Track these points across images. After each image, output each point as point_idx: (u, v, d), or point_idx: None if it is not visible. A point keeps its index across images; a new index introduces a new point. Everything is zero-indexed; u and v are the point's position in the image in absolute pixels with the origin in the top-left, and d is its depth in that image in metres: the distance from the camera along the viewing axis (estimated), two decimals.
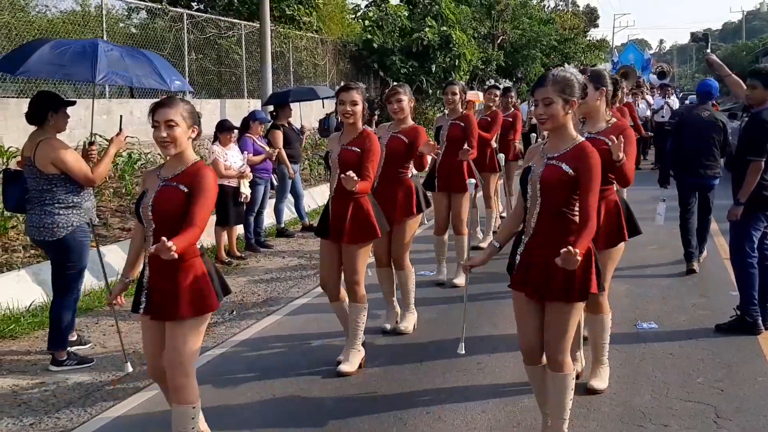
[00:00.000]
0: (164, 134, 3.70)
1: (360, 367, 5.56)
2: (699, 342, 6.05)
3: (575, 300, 3.87)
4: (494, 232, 10.17)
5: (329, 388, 5.27)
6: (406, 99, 6.16)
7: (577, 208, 3.78)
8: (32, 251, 8.04)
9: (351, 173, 4.99)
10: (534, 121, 17.98)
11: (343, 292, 5.63)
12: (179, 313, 3.76)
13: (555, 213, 3.81)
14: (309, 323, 6.83)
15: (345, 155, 5.34)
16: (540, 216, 3.84)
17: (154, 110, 3.75)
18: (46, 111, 5.63)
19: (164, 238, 3.35)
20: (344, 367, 5.47)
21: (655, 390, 5.11)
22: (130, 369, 5.14)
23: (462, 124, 7.62)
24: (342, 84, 5.35)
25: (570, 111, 3.79)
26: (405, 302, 6.53)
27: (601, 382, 5.06)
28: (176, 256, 3.38)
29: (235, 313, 7.26)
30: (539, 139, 7.92)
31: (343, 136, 5.46)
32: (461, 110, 7.78)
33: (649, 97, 20.27)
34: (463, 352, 4.88)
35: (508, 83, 11.79)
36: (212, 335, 6.56)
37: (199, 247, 3.85)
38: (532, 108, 18.07)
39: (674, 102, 19.70)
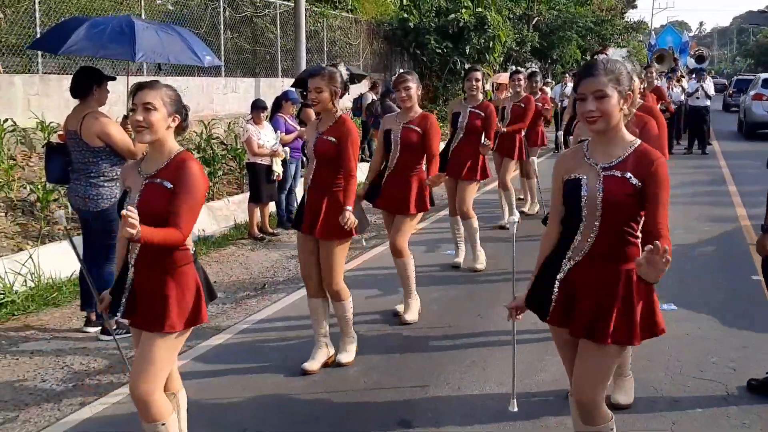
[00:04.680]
0: (140, 117, 3.37)
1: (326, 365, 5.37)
2: (716, 323, 6.18)
3: (636, 341, 3.20)
4: (521, 211, 10.27)
5: (358, 353, 5.50)
6: (414, 87, 5.99)
7: (638, 228, 3.18)
8: (73, 224, 8.35)
9: (348, 214, 4.95)
10: (566, 103, 18.05)
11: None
12: (167, 325, 3.42)
13: (616, 234, 3.15)
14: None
15: (321, 145, 5.04)
16: (597, 239, 3.15)
17: (134, 92, 3.45)
18: (91, 85, 5.88)
19: (129, 212, 3.01)
20: (343, 358, 5.37)
21: (669, 367, 5.27)
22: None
23: (482, 113, 7.60)
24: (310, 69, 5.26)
25: (625, 108, 3.15)
26: (406, 291, 6.34)
27: (626, 396, 4.68)
28: (135, 236, 3.04)
29: (266, 287, 7.51)
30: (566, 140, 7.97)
31: (320, 123, 5.16)
32: (481, 98, 7.71)
33: (684, 82, 20.11)
34: (516, 409, 4.08)
35: (534, 67, 11.80)
36: (244, 307, 6.83)
37: (192, 252, 3.57)
38: (565, 90, 18.00)
39: (709, 86, 19.54)
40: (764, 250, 4.87)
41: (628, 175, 3.09)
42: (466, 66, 8.09)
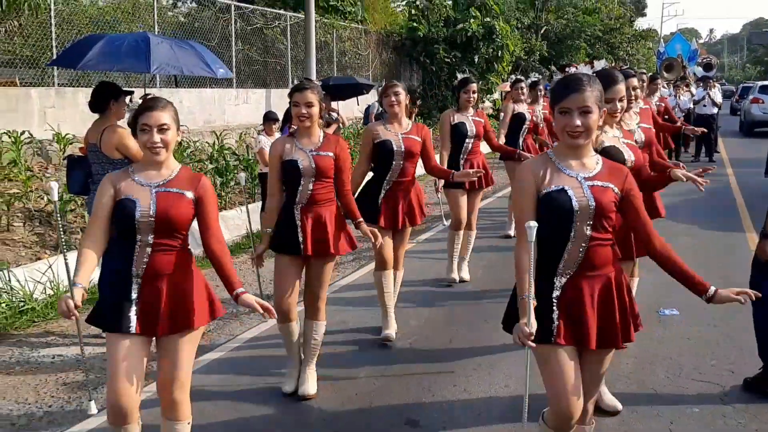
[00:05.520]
0: (157, 139, 3.48)
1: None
2: (717, 327, 6.34)
3: (631, 338, 3.36)
4: None
5: (366, 358, 5.72)
6: (404, 94, 5.89)
7: (610, 232, 3.29)
8: None
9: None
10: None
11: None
12: (195, 322, 3.57)
13: (601, 242, 3.24)
14: (347, 306, 7.24)
15: (322, 162, 4.89)
16: (589, 248, 3.21)
17: (140, 113, 3.51)
18: (108, 100, 6.10)
19: (259, 306, 3.58)
20: (309, 389, 5.09)
21: (670, 370, 5.44)
22: (95, 410, 4.41)
23: (482, 120, 7.69)
24: (296, 83, 5.00)
25: (600, 122, 3.27)
26: (392, 306, 6.22)
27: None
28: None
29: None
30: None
31: (302, 140, 4.93)
32: (472, 109, 7.68)
33: (693, 89, 20.20)
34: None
35: (537, 77, 12.01)
36: (258, 314, 6.99)
37: (196, 252, 3.68)
38: None
39: (716, 94, 19.63)
40: (765, 256, 5.02)
41: (610, 184, 3.22)
42: (463, 78, 7.93)
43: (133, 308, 3.52)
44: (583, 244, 3.20)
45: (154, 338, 3.63)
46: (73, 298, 3.39)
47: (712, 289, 3.27)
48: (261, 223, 4.97)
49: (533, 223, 3.12)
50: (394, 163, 5.91)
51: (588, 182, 3.20)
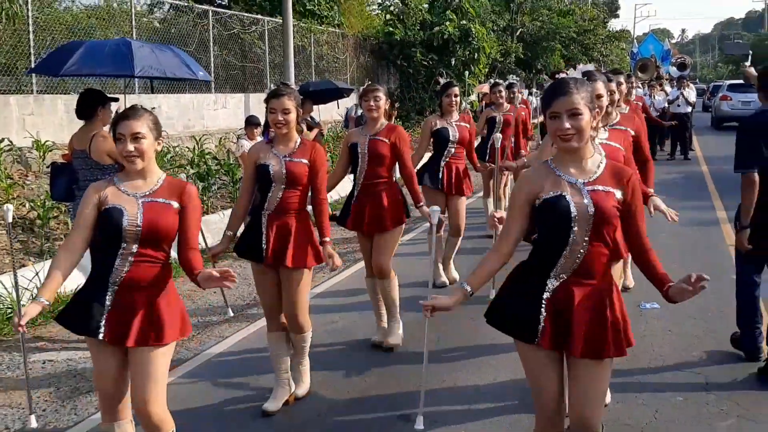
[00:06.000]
0: (131, 147, 3.43)
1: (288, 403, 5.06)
2: (697, 320, 6.48)
3: (623, 352, 3.28)
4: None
5: (357, 356, 5.81)
6: (384, 99, 5.79)
7: (611, 239, 3.21)
8: None
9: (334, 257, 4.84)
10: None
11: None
12: (167, 337, 3.50)
13: (601, 249, 3.17)
14: (337, 304, 7.32)
15: (295, 168, 4.76)
16: (586, 255, 3.14)
17: (116, 122, 3.49)
18: (95, 106, 6.15)
19: (217, 272, 3.34)
20: (300, 390, 5.15)
21: (653, 363, 5.57)
22: (35, 424, 4.67)
23: (467, 125, 7.66)
24: (273, 88, 4.86)
25: (593, 123, 3.16)
26: (390, 313, 6.11)
27: None
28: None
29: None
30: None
31: (279, 146, 4.83)
32: (456, 114, 7.65)
33: (667, 88, 20.46)
34: (422, 427, 4.43)
35: (513, 79, 12.23)
36: (246, 315, 7.08)
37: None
38: None
39: (690, 93, 19.89)
40: (743, 247, 5.25)
41: (612, 188, 3.14)
42: (446, 83, 7.91)
43: (104, 314, 3.47)
44: (581, 251, 3.14)
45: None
46: (22, 315, 3.32)
47: (667, 285, 3.26)
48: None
49: (437, 207, 4.02)
50: (359, 166, 5.85)
51: (588, 187, 3.14)
